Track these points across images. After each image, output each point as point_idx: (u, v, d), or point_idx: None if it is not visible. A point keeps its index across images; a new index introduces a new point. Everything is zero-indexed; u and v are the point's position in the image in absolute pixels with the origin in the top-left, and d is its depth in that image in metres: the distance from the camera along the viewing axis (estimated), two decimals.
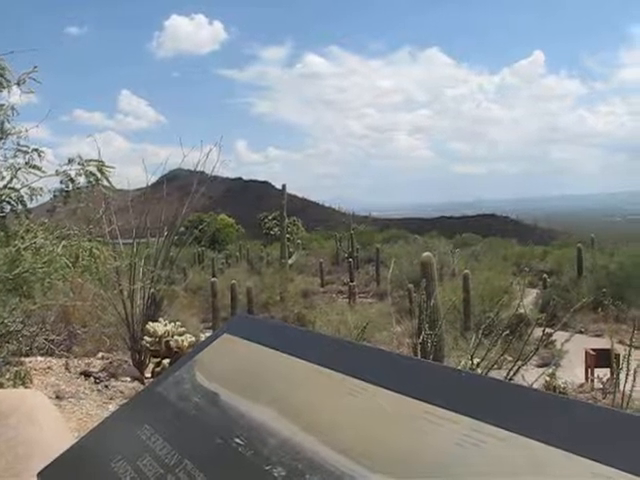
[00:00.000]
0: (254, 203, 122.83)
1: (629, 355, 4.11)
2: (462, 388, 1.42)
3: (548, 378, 11.90)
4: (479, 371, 6.02)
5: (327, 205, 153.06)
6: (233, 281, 24.40)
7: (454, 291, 18.97)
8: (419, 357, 6.35)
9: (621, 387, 4.38)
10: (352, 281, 31.07)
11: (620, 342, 9.96)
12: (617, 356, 6.02)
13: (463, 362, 7.46)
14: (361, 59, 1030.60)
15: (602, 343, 16.31)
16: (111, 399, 7.77)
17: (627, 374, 4.11)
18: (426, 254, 10.79)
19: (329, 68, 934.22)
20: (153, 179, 12.88)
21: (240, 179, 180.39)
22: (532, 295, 24.88)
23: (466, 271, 20.05)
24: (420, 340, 6.50)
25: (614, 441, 1.09)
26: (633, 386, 4.12)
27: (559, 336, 7.39)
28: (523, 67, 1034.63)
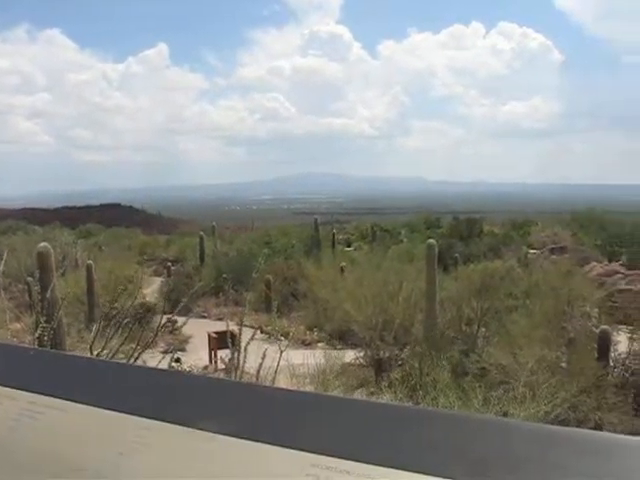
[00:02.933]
0: None
1: (240, 334, 4.38)
2: (25, 365, 1.39)
3: (173, 363, 12.21)
4: None
5: None
6: None
7: (77, 282, 18.41)
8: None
9: (236, 363, 4.63)
10: None
11: (238, 324, 10.61)
12: (234, 336, 6.38)
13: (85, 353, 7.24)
14: None
15: (224, 326, 17.12)
16: None
17: (239, 352, 4.38)
18: (42, 244, 10.21)
19: None
20: None
21: None
22: (157, 283, 25.22)
23: (89, 262, 19.54)
24: (37, 335, 6.16)
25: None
26: (245, 361, 4.39)
27: (185, 322, 7.61)
28: (148, 57, 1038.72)
